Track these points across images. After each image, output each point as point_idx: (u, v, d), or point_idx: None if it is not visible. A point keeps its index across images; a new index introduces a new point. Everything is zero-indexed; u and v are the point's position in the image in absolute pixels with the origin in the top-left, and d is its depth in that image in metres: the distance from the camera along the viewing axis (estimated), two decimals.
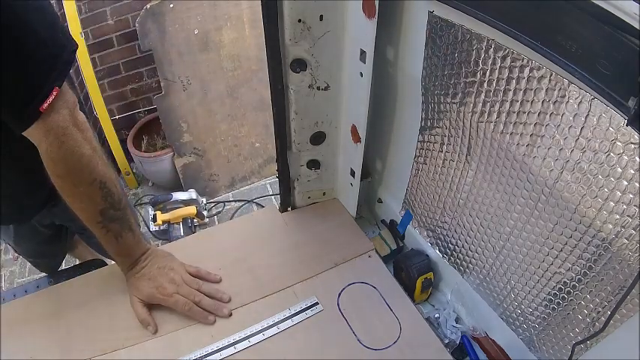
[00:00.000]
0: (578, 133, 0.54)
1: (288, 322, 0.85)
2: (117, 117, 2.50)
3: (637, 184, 0.49)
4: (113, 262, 0.92)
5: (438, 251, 0.96)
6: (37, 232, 1.20)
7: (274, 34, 0.76)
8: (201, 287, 0.88)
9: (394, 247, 1.08)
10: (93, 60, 2.20)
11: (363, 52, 0.77)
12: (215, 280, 0.92)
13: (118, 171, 2.44)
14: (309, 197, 1.09)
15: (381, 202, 1.14)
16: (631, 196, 0.50)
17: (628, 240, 0.53)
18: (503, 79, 0.62)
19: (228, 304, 0.88)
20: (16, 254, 2.17)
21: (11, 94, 0.66)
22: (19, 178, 0.93)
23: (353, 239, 1.02)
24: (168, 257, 0.93)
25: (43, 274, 1.56)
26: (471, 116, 0.71)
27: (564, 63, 0.50)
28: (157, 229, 2.13)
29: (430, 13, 0.69)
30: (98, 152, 0.79)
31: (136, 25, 1.99)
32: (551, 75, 0.54)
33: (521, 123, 0.62)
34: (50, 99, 0.68)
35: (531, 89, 0.58)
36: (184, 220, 2.15)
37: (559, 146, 0.58)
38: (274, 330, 0.84)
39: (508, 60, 0.60)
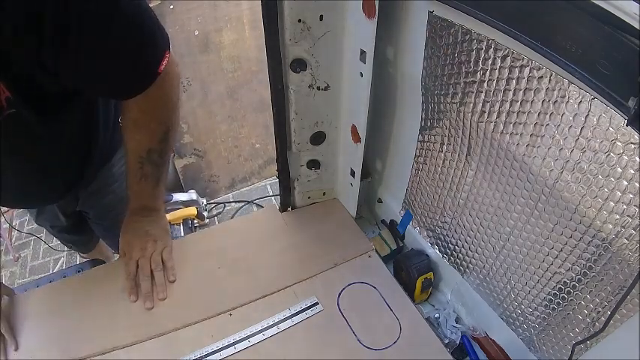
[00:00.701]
0: (578, 133, 0.54)
1: (288, 322, 0.85)
2: None
3: (637, 184, 0.49)
4: (113, 262, 0.93)
5: (438, 251, 0.96)
6: (58, 219, 1.22)
7: (274, 34, 0.76)
8: (154, 271, 0.91)
9: (394, 247, 1.08)
10: None
11: (363, 52, 0.77)
12: (169, 279, 0.93)
13: None
14: (309, 197, 1.09)
15: (381, 202, 1.14)
16: (631, 196, 0.50)
17: (628, 240, 0.53)
18: (503, 79, 0.62)
19: (164, 300, 0.89)
20: (17, 255, 2.19)
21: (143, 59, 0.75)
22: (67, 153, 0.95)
23: (353, 239, 1.02)
24: (163, 232, 0.97)
25: (43, 274, 1.56)
26: (471, 116, 0.71)
27: (564, 63, 0.50)
28: None
29: (430, 13, 0.69)
30: (179, 105, 0.87)
31: None
32: (551, 75, 0.55)
33: (521, 123, 0.62)
34: (165, 62, 0.76)
35: (531, 89, 0.58)
36: (185, 221, 2.14)
37: (559, 146, 0.58)
38: (274, 330, 0.84)
39: (508, 60, 0.60)
